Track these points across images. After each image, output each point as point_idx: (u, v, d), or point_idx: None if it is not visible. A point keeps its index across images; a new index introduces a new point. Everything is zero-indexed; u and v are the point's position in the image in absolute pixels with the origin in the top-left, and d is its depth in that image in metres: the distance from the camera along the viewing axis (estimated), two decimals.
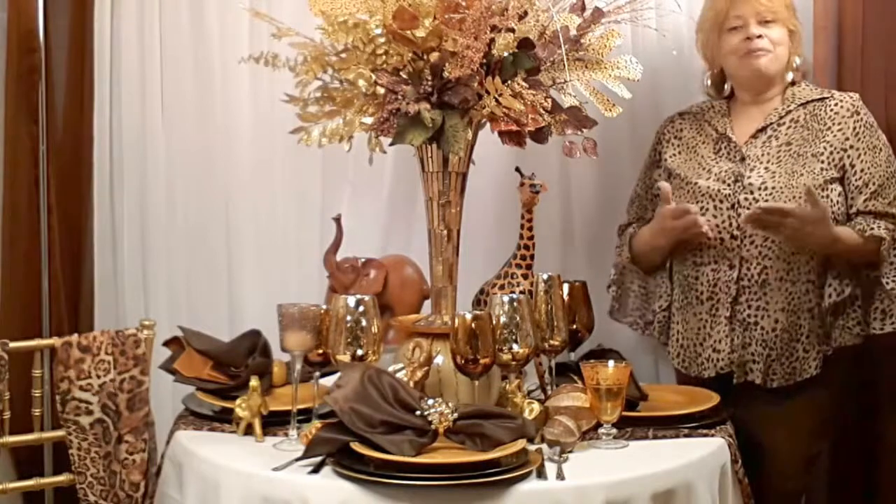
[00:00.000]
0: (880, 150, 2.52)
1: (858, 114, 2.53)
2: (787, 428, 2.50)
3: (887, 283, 2.47)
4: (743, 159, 2.55)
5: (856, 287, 2.51)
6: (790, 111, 2.57)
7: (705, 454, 2.13)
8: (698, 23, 2.68)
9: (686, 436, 2.22)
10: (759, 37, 2.53)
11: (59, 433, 2.45)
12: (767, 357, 2.48)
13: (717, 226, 2.50)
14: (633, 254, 2.68)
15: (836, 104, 2.55)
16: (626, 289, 2.77)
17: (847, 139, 2.50)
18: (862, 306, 2.54)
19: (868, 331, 2.54)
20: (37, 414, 2.49)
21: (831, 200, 2.47)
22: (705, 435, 2.22)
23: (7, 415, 2.44)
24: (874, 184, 2.48)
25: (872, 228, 2.45)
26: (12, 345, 2.44)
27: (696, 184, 2.55)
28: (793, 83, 2.62)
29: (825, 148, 2.50)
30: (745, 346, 2.50)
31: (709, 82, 2.70)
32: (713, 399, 2.37)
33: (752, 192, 2.48)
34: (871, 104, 2.60)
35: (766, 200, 2.45)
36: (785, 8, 2.57)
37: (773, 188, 2.47)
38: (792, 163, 2.50)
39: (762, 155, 2.53)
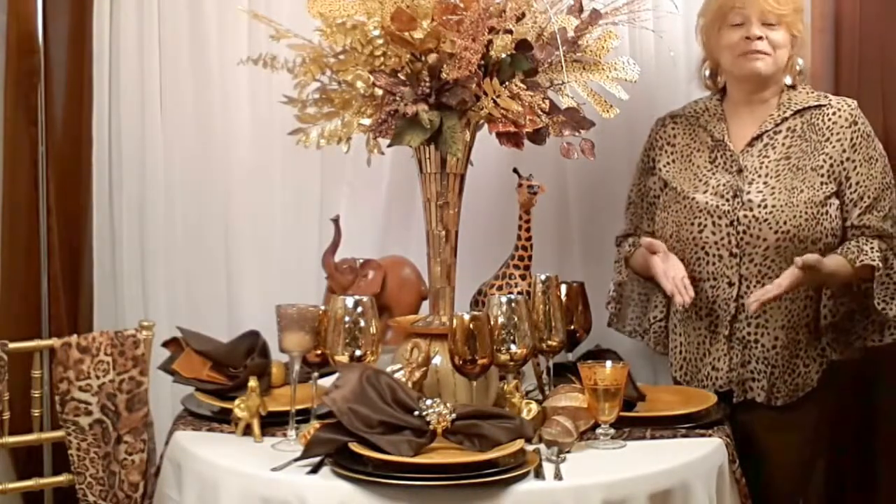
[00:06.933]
0: (876, 160, 2.49)
1: (856, 124, 2.49)
2: (786, 434, 2.49)
3: (878, 303, 2.45)
4: (740, 171, 2.50)
5: (851, 303, 2.51)
6: (786, 118, 2.52)
7: (703, 454, 2.13)
8: (702, 6, 2.61)
9: (683, 436, 2.22)
10: (760, 38, 2.47)
11: (59, 433, 2.46)
12: (770, 375, 2.46)
13: (716, 243, 2.46)
14: (630, 268, 2.69)
15: (833, 112, 2.50)
16: (626, 298, 2.75)
17: (844, 151, 2.46)
18: (860, 320, 2.53)
19: (867, 344, 2.54)
20: (36, 414, 2.50)
21: (830, 216, 2.44)
22: (703, 435, 2.22)
23: (7, 415, 2.45)
24: (869, 197, 2.46)
25: (865, 252, 2.41)
26: (12, 345, 2.45)
27: (693, 199, 2.50)
28: (792, 87, 2.57)
29: (825, 161, 2.46)
30: (745, 365, 2.48)
31: (707, 73, 2.64)
32: (710, 399, 2.38)
33: (751, 210, 2.44)
34: (868, 108, 2.58)
35: (766, 219, 2.42)
36: (793, 11, 2.50)
37: (774, 206, 2.42)
38: (791, 178, 2.46)
39: (760, 167, 2.49)
